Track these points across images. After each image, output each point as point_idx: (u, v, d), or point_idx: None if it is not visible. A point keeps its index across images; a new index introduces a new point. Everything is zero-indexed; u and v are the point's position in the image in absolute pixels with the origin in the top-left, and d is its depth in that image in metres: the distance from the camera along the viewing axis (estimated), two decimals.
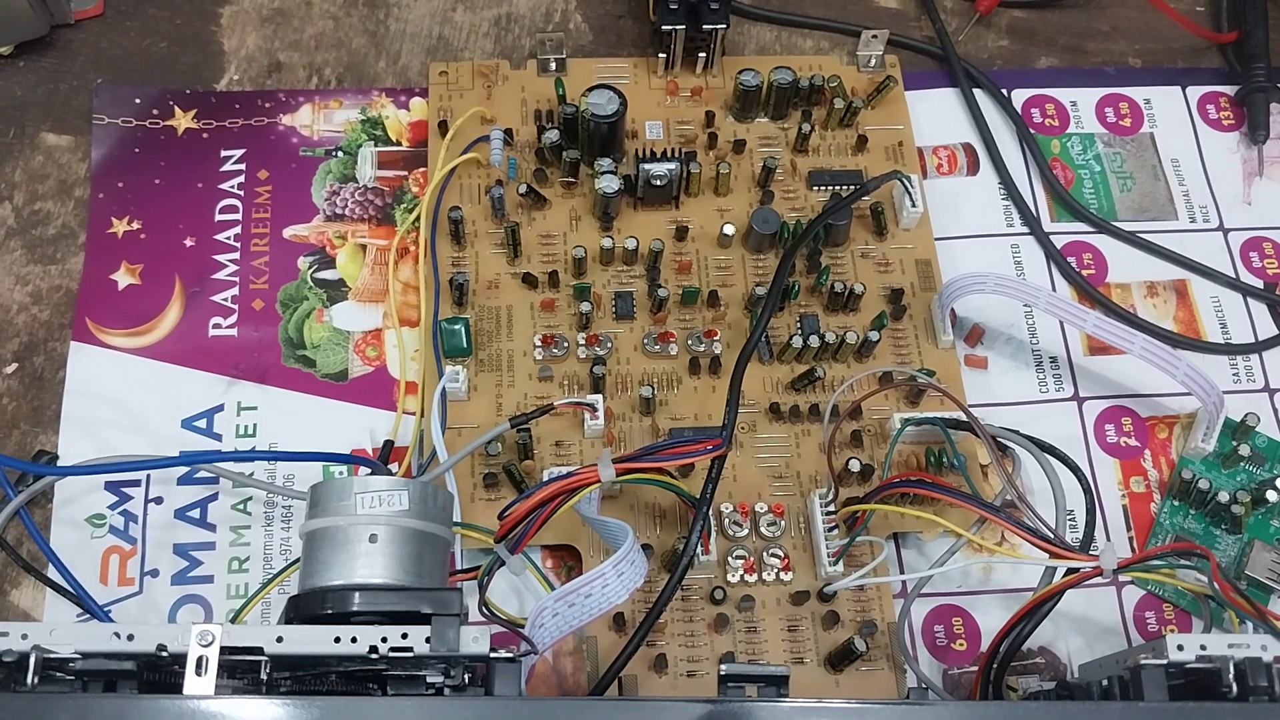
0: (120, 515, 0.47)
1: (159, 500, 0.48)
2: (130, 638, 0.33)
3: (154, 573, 0.46)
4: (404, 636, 0.33)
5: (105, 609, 0.45)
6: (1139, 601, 0.48)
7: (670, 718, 0.32)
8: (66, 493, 0.48)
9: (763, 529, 0.47)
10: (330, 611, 0.35)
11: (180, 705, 0.32)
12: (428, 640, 0.33)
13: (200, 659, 0.32)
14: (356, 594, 0.35)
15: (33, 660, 0.32)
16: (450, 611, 0.34)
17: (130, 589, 0.46)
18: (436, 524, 0.38)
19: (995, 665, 0.42)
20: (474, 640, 0.34)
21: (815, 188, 0.54)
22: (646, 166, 0.52)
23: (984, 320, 0.53)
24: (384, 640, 0.33)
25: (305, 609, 0.36)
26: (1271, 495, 0.48)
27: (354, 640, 0.33)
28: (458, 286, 0.50)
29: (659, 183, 0.52)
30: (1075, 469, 0.44)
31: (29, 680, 0.32)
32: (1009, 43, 0.60)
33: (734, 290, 0.52)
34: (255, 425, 0.49)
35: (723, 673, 0.35)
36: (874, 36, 0.57)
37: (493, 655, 0.34)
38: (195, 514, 0.48)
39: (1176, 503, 0.49)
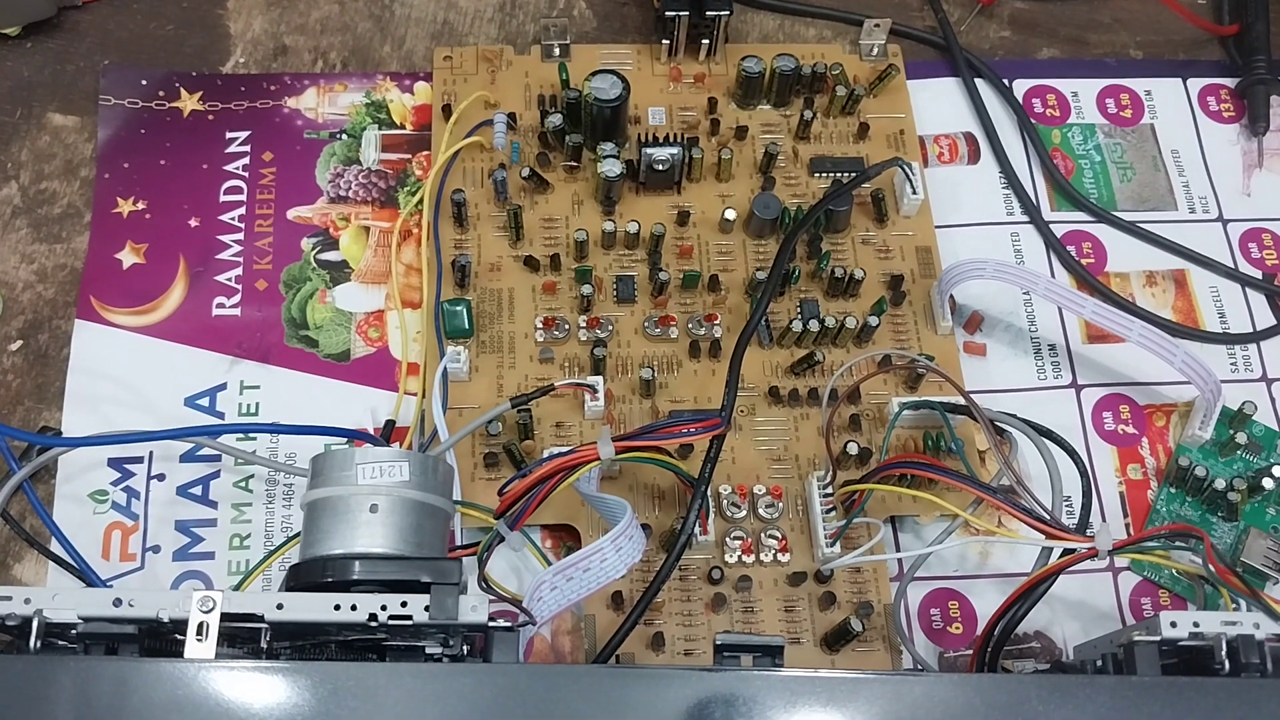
0: (123, 491, 0.48)
1: (161, 477, 0.48)
2: (131, 604, 0.33)
3: (155, 549, 0.47)
4: (403, 605, 0.34)
5: (107, 584, 0.45)
6: (1135, 587, 0.48)
7: (667, 686, 0.32)
8: (70, 469, 0.48)
9: (761, 511, 0.47)
10: (330, 580, 0.36)
11: (181, 669, 0.32)
12: (427, 609, 0.34)
13: (201, 624, 0.33)
14: (357, 563, 0.36)
15: (35, 624, 0.33)
16: (449, 580, 0.34)
17: (132, 564, 0.46)
18: (437, 495, 0.38)
19: (991, 647, 0.42)
20: (473, 609, 0.34)
21: (816, 174, 0.54)
22: (649, 151, 0.52)
23: (983, 307, 0.53)
24: (383, 608, 0.34)
25: (306, 577, 0.36)
26: (1268, 483, 0.48)
27: (354, 608, 0.34)
28: (460, 268, 0.51)
29: (661, 167, 0.52)
30: (1072, 453, 0.44)
31: (32, 644, 0.33)
32: (1011, 33, 0.61)
33: (735, 275, 0.52)
34: (258, 404, 0.50)
35: (718, 642, 0.35)
36: (876, 26, 0.57)
37: (491, 624, 0.34)
38: (197, 491, 0.48)
39: (1173, 490, 0.49)
